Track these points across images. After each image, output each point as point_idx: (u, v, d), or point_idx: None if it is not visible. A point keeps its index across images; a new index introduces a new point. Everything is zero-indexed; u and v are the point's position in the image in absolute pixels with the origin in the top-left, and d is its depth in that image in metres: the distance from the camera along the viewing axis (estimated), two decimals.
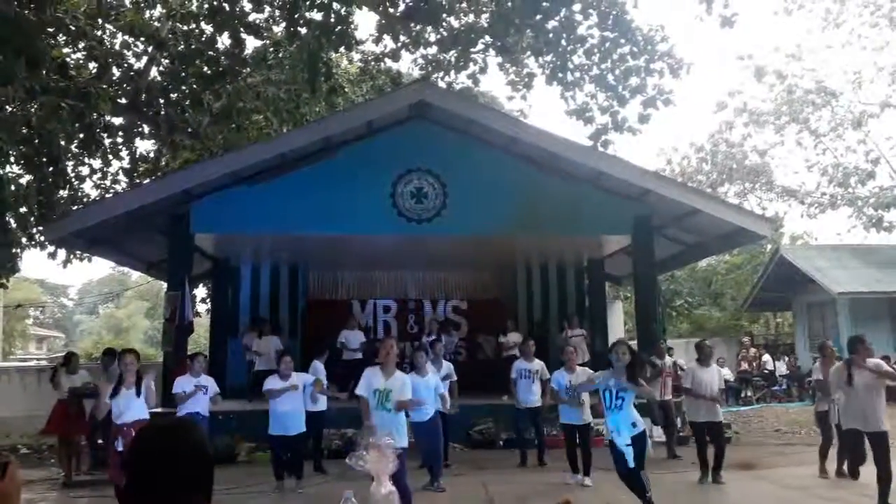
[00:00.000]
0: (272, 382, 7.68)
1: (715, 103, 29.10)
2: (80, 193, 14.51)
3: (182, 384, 7.83)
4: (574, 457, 7.84)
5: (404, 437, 5.94)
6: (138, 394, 6.71)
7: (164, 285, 12.13)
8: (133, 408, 6.67)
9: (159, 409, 8.81)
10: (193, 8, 12.68)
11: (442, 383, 8.10)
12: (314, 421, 8.20)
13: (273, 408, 7.58)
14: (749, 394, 18.00)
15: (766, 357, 18.93)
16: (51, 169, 12.66)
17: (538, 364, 9.04)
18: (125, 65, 13.84)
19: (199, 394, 7.78)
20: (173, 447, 1.58)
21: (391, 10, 10.99)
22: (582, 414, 7.82)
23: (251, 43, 13.88)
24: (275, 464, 7.65)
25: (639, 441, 5.98)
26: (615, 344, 6.46)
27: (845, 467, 7.47)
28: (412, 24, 11.59)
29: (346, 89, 15.41)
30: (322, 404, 8.52)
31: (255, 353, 12.05)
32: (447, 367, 8.89)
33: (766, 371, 18.55)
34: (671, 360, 9.92)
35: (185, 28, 12.76)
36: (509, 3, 10.19)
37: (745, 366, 18.62)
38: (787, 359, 19.03)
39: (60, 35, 11.96)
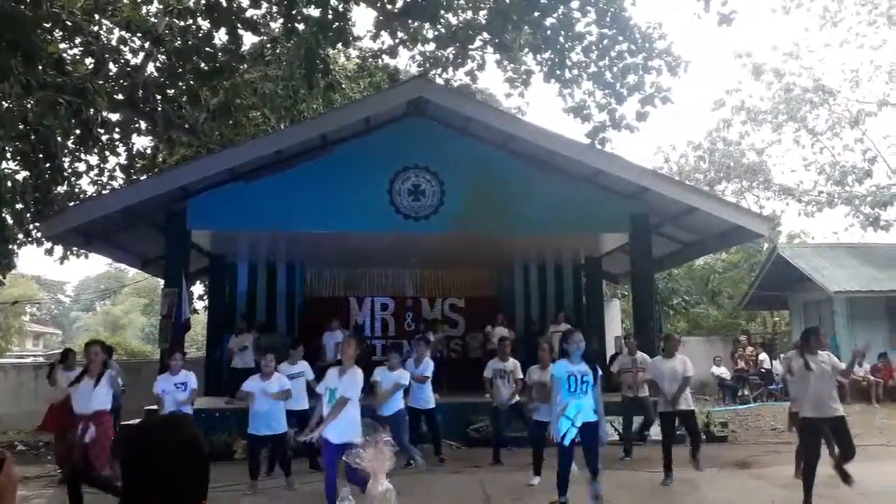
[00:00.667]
0: (249, 384, 7.64)
1: (713, 101, 29.17)
2: (76, 190, 14.48)
3: (161, 384, 7.83)
4: (540, 457, 7.72)
5: (355, 433, 5.99)
6: (95, 385, 6.71)
7: (161, 282, 12.11)
8: (94, 399, 6.66)
9: (153, 407, 8.80)
10: (190, 4, 12.64)
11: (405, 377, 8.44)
12: (301, 419, 8.11)
13: (252, 408, 7.57)
14: (746, 392, 18.01)
15: (763, 356, 18.94)
16: (47, 165, 12.61)
17: (512, 363, 8.98)
18: (122, 60, 13.79)
19: (178, 391, 7.77)
20: (167, 444, 1.57)
21: (389, 6, 10.98)
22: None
23: (248, 39, 13.92)
24: (251, 463, 7.63)
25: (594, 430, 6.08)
26: (570, 332, 6.55)
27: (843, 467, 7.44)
28: (410, 21, 11.56)
29: (344, 86, 15.39)
30: (305, 403, 8.48)
31: (229, 349, 12.08)
32: (427, 363, 9.04)
33: (762, 370, 18.56)
34: (643, 355, 9.80)
35: (182, 24, 12.72)
36: (507, 0, 10.18)
37: (741, 364, 18.63)
38: (781, 355, 19.05)
39: (57, 30, 11.92)
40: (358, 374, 6.24)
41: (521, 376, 8.83)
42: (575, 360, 6.18)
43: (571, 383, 6.09)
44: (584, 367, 6.14)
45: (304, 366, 8.90)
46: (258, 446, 7.64)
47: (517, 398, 8.88)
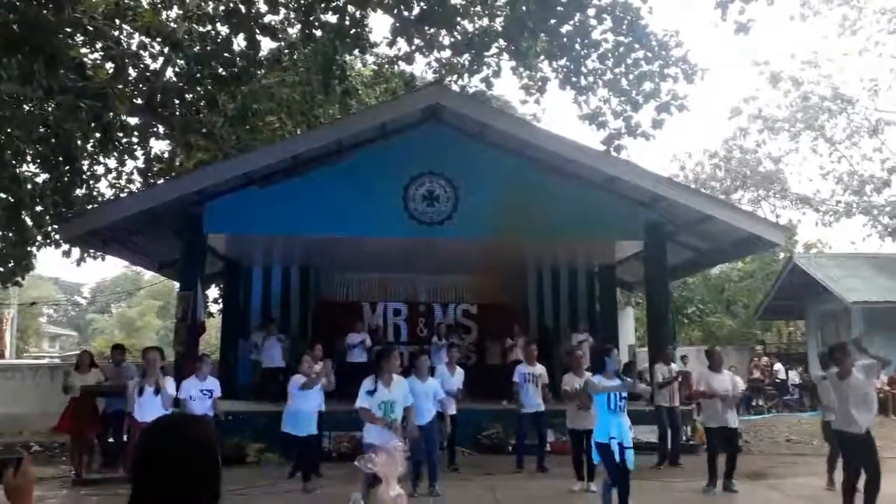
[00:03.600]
0: (300, 380, 7.72)
1: (729, 109, 29.08)
2: (95, 192, 14.62)
3: (188, 388, 7.87)
4: (580, 463, 7.73)
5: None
6: (156, 393, 6.77)
7: (177, 285, 12.19)
8: (155, 407, 6.74)
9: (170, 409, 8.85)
10: (210, 9, 12.77)
11: (441, 389, 7.84)
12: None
13: (291, 407, 7.61)
14: (761, 403, 17.85)
15: (778, 366, 18.77)
16: (67, 168, 12.76)
17: (540, 368, 9.01)
18: (141, 65, 13.93)
19: (204, 398, 7.82)
20: (178, 444, 1.56)
21: (406, 13, 11.01)
22: (590, 418, 7.75)
23: (266, 44, 13.96)
24: (300, 463, 7.69)
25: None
26: (607, 347, 6.49)
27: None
28: (426, 28, 11.60)
29: (360, 92, 15.44)
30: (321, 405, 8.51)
31: (259, 351, 12.14)
32: (460, 373, 8.91)
33: (777, 380, 18.40)
34: (676, 367, 9.82)
35: (201, 29, 12.85)
36: (523, 7, 10.18)
37: (756, 374, 18.47)
38: (800, 368, 18.87)
39: (78, 35, 12.07)
40: (405, 383, 6.45)
41: (547, 381, 8.85)
42: (610, 375, 6.10)
43: (611, 401, 6.01)
44: (619, 384, 6.07)
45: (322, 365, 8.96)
46: (293, 445, 7.68)
47: (542, 407, 8.84)
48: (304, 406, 7.59)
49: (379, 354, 6.76)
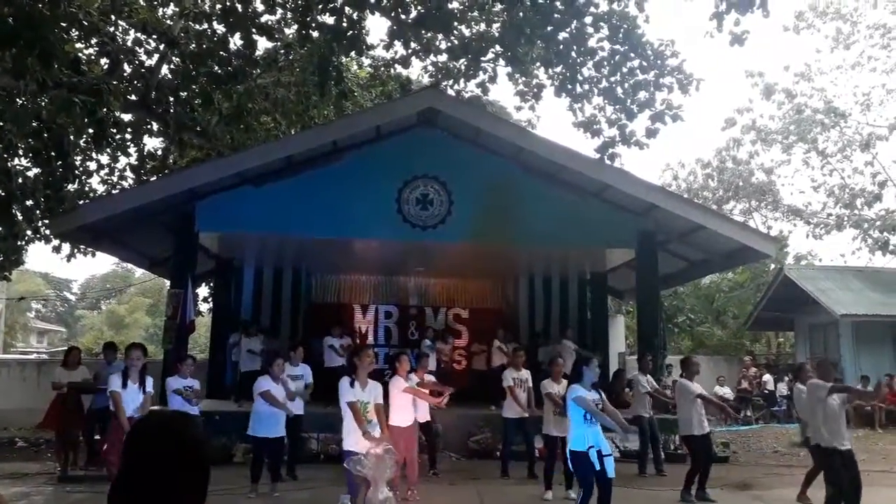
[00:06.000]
0: (266, 384, 7.68)
1: (723, 120, 29.21)
2: (87, 188, 14.54)
3: (172, 384, 7.89)
4: (551, 471, 7.69)
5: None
6: (143, 389, 6.75)
7: (167, 283, 12.14)
8: (137, 402, 6.72)
9: (155, 406, 8.81)
10: (206, 7, 12.74)
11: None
12: (293, 424, 8.14)
13: (260, 409, 7.59)
14: (749, 413, 17.90)
15: (767, 377, 18.84)
16: (59, 163, 12.68)
17: (526, 373, 9.02)
18: (136, 62, 13.87)
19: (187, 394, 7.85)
20: (167, 442, 1.54)
21: (403, 16, 11.01)
22: (565, 425, 7.74)
23: (263, 44, 13.95)
24: (255, 466, 7.65)
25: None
26: (589, 358, 6.40)
27: None
28: (423, 31, 11.60)
29: (356, 94, 15.43)
30: (300, 408, 8.48)
31: (239, 352, 12.08)
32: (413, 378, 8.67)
33: (766, 391, 18.46)
34: (648, 377, 9.84)
35: (198, 27, 12.80)
36: (520, 14, 10.21)
37: (745, 385, 18.53)
38: (787, 379, 18.93)
39: (74, 30, 12.01)
40: (378, 386, 6.40)
41: (531, 385, 8.87)
42: (587, 386, 6.04)
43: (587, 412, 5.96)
44: (596, 396, 6.01)
45: (304, 368, 8.92)
46: (262, 449, 7.64)
47: (526, 413, 8.81)
48: (265, 408, 7.56)
49: (353, 353, 6.74)
